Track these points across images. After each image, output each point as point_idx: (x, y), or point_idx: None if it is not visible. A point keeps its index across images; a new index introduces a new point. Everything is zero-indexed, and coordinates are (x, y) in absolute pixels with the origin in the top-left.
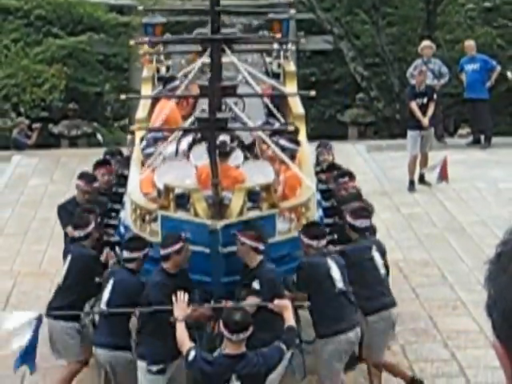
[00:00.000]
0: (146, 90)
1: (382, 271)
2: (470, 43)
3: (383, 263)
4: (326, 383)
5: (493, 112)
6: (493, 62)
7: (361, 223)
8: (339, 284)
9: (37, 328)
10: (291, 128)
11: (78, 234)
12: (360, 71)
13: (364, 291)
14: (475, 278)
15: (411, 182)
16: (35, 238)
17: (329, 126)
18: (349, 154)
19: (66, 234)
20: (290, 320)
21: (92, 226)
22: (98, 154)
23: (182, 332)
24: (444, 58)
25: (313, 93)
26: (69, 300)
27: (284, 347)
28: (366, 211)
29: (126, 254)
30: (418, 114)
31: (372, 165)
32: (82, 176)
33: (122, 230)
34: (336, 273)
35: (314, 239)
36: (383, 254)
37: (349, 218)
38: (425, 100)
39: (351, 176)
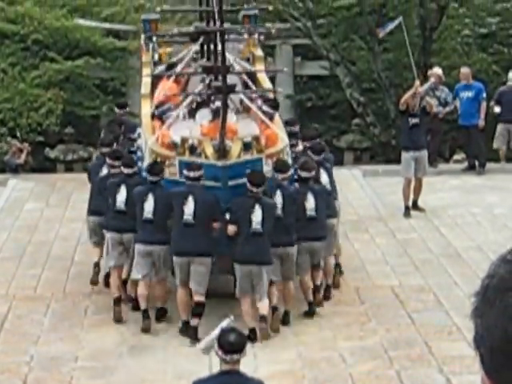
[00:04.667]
0: (146, 71)
1: (309, 212)
2: (465, 71)
3: (316, 206)
4: None
5: (487, 138)
6: (483, 93)
7: (304, 174)
8: (255, 225)
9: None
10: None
11: (127, 171)
12: (356, 97)
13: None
14: (470, 303)
15: (406, 208)
16: (31, 262)
17: None
18: (345, 179)
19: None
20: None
21: (136, 167)
22: None
23: None
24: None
25: (285, 69)
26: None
27: None
28: (311, 165)
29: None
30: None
31: (368, 190)
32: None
33: (139, 153)
34: (257, 215)
35: (253, 186)
36: (325, 197)
37: (298, 170)
38: (417, 120)
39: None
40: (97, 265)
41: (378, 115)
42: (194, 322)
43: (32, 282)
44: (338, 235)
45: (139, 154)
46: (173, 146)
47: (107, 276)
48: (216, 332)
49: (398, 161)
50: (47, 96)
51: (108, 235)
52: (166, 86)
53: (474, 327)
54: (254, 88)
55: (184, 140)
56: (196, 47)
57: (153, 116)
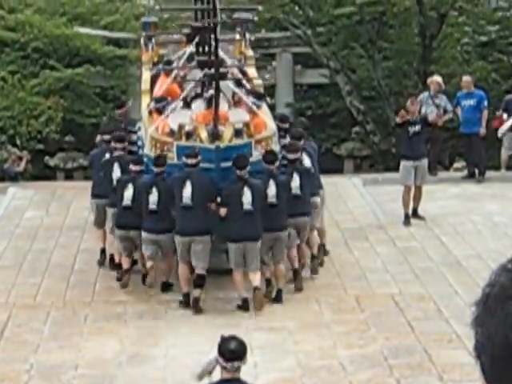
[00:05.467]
0: (146, 69)
1: (294, 191)
2: (467, 79)
3: (301, 184)
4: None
5: (487, 146)
6: (485, 101)
7: (291, 156)
8: (246, 205)
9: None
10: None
11: (135, 168)
12: (356, 105)
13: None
14: (471, 311)
15: (406, 216)
16: (30, 271)
17: (325, 159)
18: (345, 187)
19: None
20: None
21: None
22: None
23: None
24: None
25: (275, 64)
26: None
27: None
28: (297, 147)
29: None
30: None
31: (368, 198)
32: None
33: (139, 143)
34: (247, 196)
35: (238, 169)
36: (309, 177)
37: (284, 152)
38: (417, 128)
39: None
40: (103, 251)
41: (377, 123)
42: (196, 293)
43: (32, 290)
44: (323, 220)
45: (140, 143)
46: (171, 133)
47: (112, 259)
48: (207, 360)
49: (397, 169)
50: (47, 104)
51: (116, 232)
52: (164, 82)
53: (475, 336)
54: (244, 81)
55: (181, 126)
56: (192, 48)
57: (151, 110)
